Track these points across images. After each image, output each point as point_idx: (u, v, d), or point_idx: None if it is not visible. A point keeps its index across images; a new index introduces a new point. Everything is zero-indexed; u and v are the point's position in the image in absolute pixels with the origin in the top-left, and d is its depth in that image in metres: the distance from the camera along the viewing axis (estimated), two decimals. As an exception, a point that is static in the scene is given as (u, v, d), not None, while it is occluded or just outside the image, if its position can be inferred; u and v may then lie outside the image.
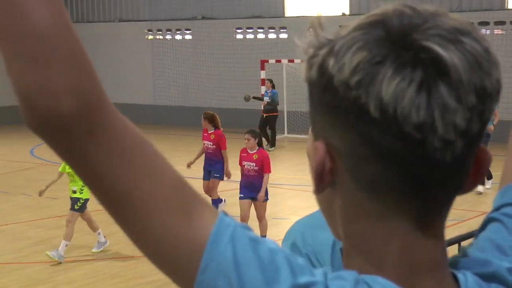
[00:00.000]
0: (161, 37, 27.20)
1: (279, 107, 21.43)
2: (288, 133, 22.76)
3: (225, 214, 0.97)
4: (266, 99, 20.63)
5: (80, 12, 28.61)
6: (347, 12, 23.77)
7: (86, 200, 10.78)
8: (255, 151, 11.06)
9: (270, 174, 11.14)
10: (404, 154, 0.93)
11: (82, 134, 0.92)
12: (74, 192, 10.79)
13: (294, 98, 22.36)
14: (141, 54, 27.31)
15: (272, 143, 20.70)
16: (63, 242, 10.67)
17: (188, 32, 26.53)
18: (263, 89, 22.29)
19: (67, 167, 10.75)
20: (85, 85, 0.92)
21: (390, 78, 0.91)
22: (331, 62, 0.94)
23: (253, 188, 10.90)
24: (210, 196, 12.34)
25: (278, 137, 21.70)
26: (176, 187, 0.96)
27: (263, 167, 10.97)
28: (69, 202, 11.05)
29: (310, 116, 1.02)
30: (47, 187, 11.13)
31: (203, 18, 26.17)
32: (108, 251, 11.10)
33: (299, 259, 0.94)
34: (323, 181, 0.99)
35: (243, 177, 11.09)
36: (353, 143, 0.95)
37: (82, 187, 10.68)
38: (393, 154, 0.93)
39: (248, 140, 11.13)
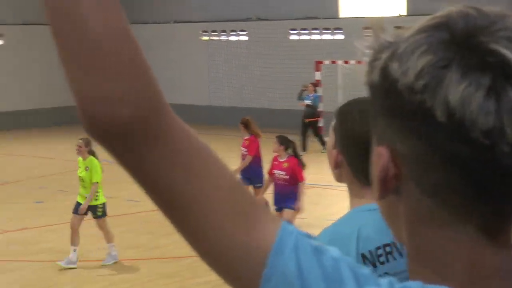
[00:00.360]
0: (216, 38, 27.32)
1: (330, 108, 21.27)
2: (343, 134, 22.58)
3: (287, 222, 0.96)
4: (307, 102, 20.40)
5: (135, 14, 28.91)
6: (404, 13, 23.55)
7: (105, 204, 10.75)
8: (285, 159, 10.68)
9: (304, 182, 10.76)
10: (470, 159, 0.91)
11: (140, 139, 0.92)
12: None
13: (349, 99, 22.24)
14: (196, 55, 27.48)
15: (322, 143, 20.44)
16: (109, 245, 10.71)
17: (242, 33, 26.60)
18: (318, 90, 22.22)
19: (78, 170, 10.67)
20: (142, 92, 0.91)
21: (457, 82, 0.88)
22: (394, 65, 0.92)
23: (283, 198, 10.61)
24: None
25: (332, 138, 21.61)
26: (233, 190, 0.95)
27: (294, 176, 10.60)
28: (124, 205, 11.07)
29: (371, 120, 1.00)
30: (85, 203, 10.80)
31: (257, 19, 26.21)
32: (161, 251, 11.17)
33: (363, 268, 0.92)
34: (387, 187, 0.97)
35: (274, 186, 10.87)
36: (418, 148, 0.93)
37: (96, 193, 10.61)
38: (459, 159, 0.91)
39: (274, 143, 10.80)
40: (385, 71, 0.93)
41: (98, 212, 10.73)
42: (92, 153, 10.76)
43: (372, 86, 0.97)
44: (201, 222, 0.94)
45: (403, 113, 0.92)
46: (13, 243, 11.37)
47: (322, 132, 21.95)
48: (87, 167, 10.66)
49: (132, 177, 0.95)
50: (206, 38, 27.52)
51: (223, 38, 27.19)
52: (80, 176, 10.72)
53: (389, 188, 0.97)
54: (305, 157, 12.92)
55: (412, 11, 23.03)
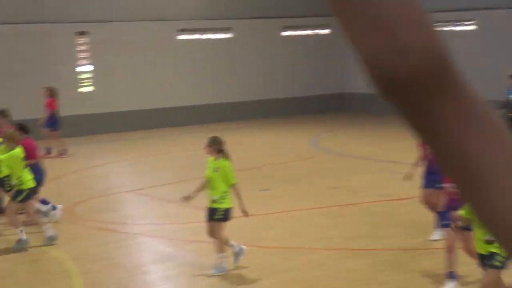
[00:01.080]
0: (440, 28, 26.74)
1: None
2: None
3: None
4: (510, 97, 18.96)
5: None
6: None
7: (227, 209, 10.08)
8: None
9: None
10: None
11: (430, 92, 0.91)
12: (214, 201, 10.10)
13: None
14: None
15: None
16: (220, 255, 10.14)
17: (470, 22, 25.84)
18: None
19: (207, 170, 10.12)
20: (432, 42, 0.91)
21: None
22: None
23: (451, 209, 8.66)
24: (432, 208, 10.59)
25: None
26: None
27: None
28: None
29: None
30: (241, 202, 10.22)
31: (485, 8, 25.35)
32: (384, 242, 11.13)
33: None
34: None
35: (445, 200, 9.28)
36: None
37: (223, 196, 10.06)
38: None
39: None
40: None
41: (216, 214, 10.10)
42: (222, 153, 10.18)
43: None
44: (480, 188, 0.93)
45: None
46: (241, 229, 11.80)
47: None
48: (217, 168, 10.10)
49: (418, 134, 0.94)
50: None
51: (447, 28, 26.56)
52: (208, 176, 10.15)
53: None
54: None
55: None
